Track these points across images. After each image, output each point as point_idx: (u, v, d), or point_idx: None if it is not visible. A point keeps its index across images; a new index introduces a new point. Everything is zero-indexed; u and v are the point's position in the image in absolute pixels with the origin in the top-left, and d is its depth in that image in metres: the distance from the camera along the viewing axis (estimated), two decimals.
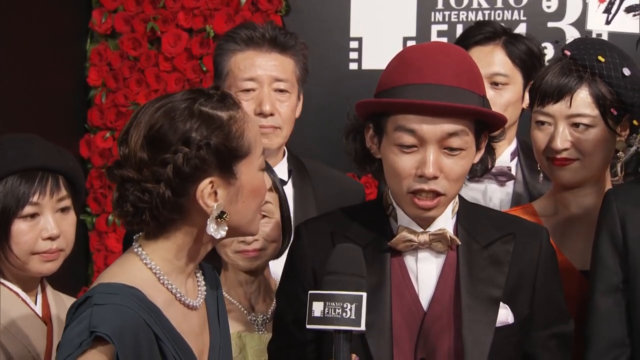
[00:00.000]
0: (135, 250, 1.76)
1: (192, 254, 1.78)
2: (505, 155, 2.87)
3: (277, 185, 2.36)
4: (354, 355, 1.80)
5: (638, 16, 3.53)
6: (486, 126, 1.99)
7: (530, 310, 2.04)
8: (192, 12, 4.01)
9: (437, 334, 1.97)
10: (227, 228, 1.74)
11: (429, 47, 2.00)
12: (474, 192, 2.85)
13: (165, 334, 1.68)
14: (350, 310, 1.74)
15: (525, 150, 2.87)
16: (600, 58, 2.30)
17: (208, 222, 1.71)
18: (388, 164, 1.97)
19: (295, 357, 2.08)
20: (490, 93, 2.78)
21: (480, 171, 2.07)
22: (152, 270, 1.73)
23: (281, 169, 2.72)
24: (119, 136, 1.76)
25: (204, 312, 1.85)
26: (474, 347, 1.94)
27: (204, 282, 1.87)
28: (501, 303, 1.99)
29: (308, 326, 1.78)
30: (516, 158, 2.88)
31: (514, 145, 2.89)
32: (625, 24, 3.45)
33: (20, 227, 2.16)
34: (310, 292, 1.80)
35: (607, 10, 3.52)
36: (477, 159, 2.02)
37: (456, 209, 2.06)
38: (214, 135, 1.71)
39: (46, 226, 2.19)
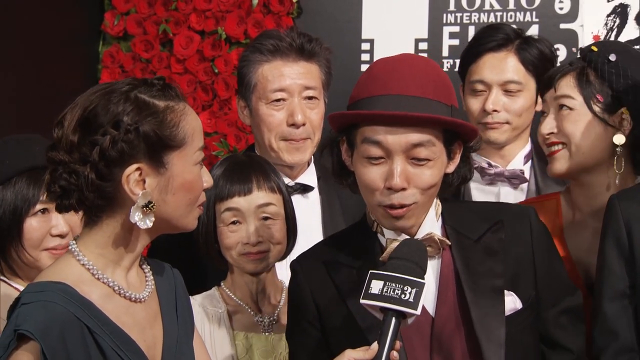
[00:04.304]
0: (71, 248, 1.75)
1: (125, 245, 1.76)
2: (519, 158, 2.87)
3: (282, 187, 2.37)
4: (398, 342, 1.80)
5: None
6: (458, 136, 1.98)
7: (535, 290, 2.04)
8: (204, 14, 4.02)
9: (449, 336, 1.97)
10: (153, 219, 1.72)
11: (395, 60, 2.00)
12: (488, 194, 2.85)
13: (100, 327, 1.68)
14: (410, 293, 1.77)
15: (539, 153, 2.86)
16: (593, 48, 2.34)
17: (132, 210, 1.70)
18: (358, 177, 1.99)
19: None
20: (503, 100, 2.79)
21: (456, 181, 2.05)
22: (86, 267, 1.73)
23: (309, 175, 2.74)
24: (57, 119, 1.75)
25: (155, 307, 1.84)
26: (489, 341, 1.94)
27: (152, 277, 1.86)
28: (505, 291, 1.99)
29: (362, 301, 1.81)
30: (530, 161, 2.87)
31: (527, 148, 2.88)
32: None
33: (31, 224, 2.17)
34: (371, 270, 1.84)
35: None
36: (450, 169, 2.01)
37: (439, 210, 2.06)
38: (146, 121, 1.70)
39: (56, 223, 2.19)
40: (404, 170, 1.92)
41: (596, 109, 2.30)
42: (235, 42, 4.00)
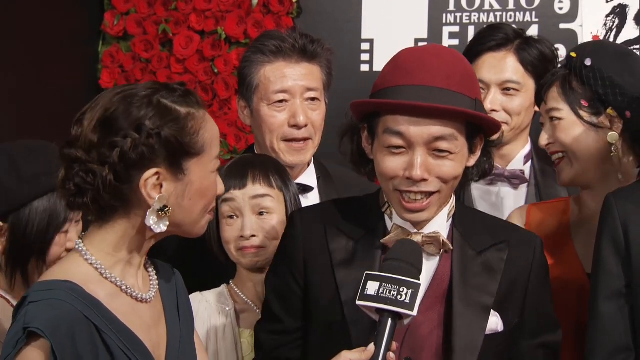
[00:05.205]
0: (77, 246, 1.75)
1: (134, 246, 1.77)
2: (519, 159, 2.87)
3: (282, 186, 2.37)
4: (394, 343, 1.81)
5: (635, 51, 3.54)
6: (480, 129, 1.98)
7: (519, 318, 2.04)
8: (203, 14, 4.02)
9: (424, 335, 1.97)
10: (168, 223, 1.73)
11: (422, 50, 2.00)
12: (488, 194, 2.86)
13: (108, 325, 1.68)
14: (406, 294, 1.78)
15: (539, 154, 2.87)
16: (572, 54, 2.38)
17: (148, 214, 1.71)
18: (377, 165, 1.98)
19: (282, 342, 2.09)
20: (502, 99, 2.79)
21: (476, 175, 2.05)
22: (93, 265, 1.73)
23: (309, 176, 2.74)
24: (76, 116, 1.75)
25: (159, 306, 1.85)
26: (463, 352, 1.94)
27: (156, 277, 1.87)
28: (492, 311, 1.99)
29: (358, 302, 1.82)
30: (530, 161, 2.88)
31: (527, 148, 2.88)
32: None
33: (61, 239, 2.17)
34: (367, 272, 1.84)
35: None
36: (471, 163, 2.01)
37: (452, 212, 2.05)
38: (167, 127, 1.70)
39: (71, 237, 2.18)
40: (425, 162, 1.91)
41: (583, 114, 2.34)
42: (235, 42, 4.00)
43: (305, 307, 2.06)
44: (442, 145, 1.90)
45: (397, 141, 1.92)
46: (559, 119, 2.37)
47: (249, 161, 2.40)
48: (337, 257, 2.01)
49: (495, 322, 1.99)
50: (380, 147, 1.96)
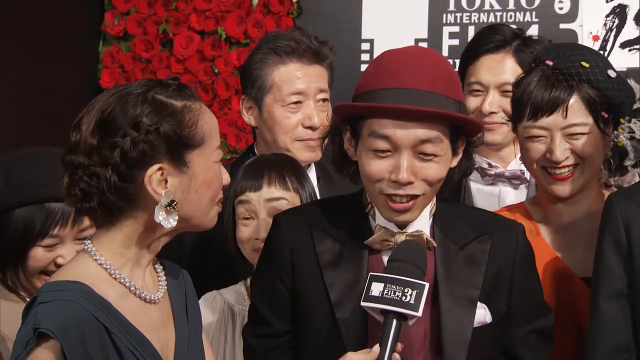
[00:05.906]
0: (86, 247, 1.75)
1: (144, 244, 1.77)
2: (519, 159, 2.87)
3: (299, 188, 2.38)
4: (399, 344, 1.81)
5: (635, 51, 3.55)
6: (463, 131, 1.98)
7: (508, 307, 2.04)
8: (204, 14, 4.02)
9: (413, 332, 1.96)
10: (177, 218, 1.73)
11: (406, 52, 2.00)
12: (488, 195, 2.86)
13: (117, 327, 1.68)
14: (411, 295, 1.79)
15: None
16: (584, 64, 2.29)
17: (156, 210, 1.71)
18: (362, 167, 1.98)
19: (272, 345, 2.08)
20: (501, 100, 2.79)
21: (457, 175, 2.05)
22: (103, 266, 1.73)
23: (310, 176, 2.73)
24: (74, 122, 1.75)
25: (168, 307, 1.85)
26: (452, 347, 1.95)
27: (165, 278, 1.87)
28: (479, 303, 1.99)
29: (363, 304, 1.82)
30: None
31: None
32: (622, 59, 3.51)
33: (38, 253, 2.09)
34: (371, 273, 1.85)
35: (602, 48, 3.56)
36: (454, 164, 2.01)
37: (433, 210, 2.05)
38: (165, 122, 1.71)
39: (63, 253, 2.10)
40: (411, 165, 1.91)
41: (601, 125, 2.30)
42: (235, 42, 4.00)
43: (293, 310, 2.05)
44: (428, 148, 1.91)
45: (383, 144, 1.92)
46: (584, 134, 2.28)
47: (266, 162, 2.40)
48: (324, 259, 2.01)
49: (482, 314, 2.00)
50: (365, 149, 1.96)
